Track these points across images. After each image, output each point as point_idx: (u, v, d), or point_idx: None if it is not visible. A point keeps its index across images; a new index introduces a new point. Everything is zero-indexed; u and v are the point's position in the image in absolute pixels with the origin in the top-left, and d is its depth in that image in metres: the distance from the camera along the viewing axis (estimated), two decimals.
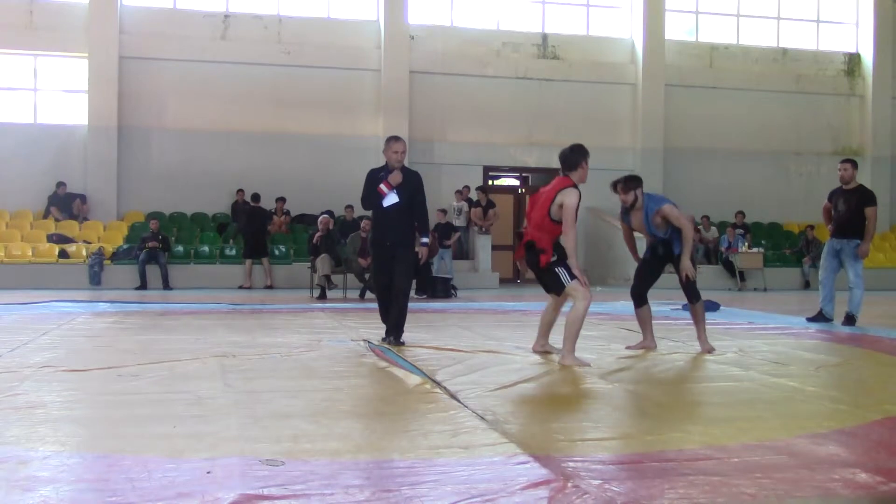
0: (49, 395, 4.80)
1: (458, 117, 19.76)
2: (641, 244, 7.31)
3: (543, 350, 6.59)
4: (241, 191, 17.83)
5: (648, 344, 7.11)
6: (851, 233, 9.29)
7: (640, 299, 7.19)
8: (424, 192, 7.33)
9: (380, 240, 7.24)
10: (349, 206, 17.13)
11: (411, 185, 7.20)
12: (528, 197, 6.66)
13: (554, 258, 6.15)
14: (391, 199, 7.10)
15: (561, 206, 6.04)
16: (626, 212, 7.12)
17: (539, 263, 6.20)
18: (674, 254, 7.00)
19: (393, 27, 19.19)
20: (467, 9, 20.10)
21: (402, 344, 7.09)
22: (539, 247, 6.16)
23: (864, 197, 9.37)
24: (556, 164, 7.49)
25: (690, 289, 6.98)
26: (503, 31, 20.18)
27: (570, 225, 6.04)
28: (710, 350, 6.91)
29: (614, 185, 7.03)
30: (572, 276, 6.13)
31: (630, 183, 6.97)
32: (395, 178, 7.11)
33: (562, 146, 6.64)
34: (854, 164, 9.53)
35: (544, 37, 20.32)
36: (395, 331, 7.20)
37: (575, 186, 6.14)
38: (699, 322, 7.07)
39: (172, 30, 18.40)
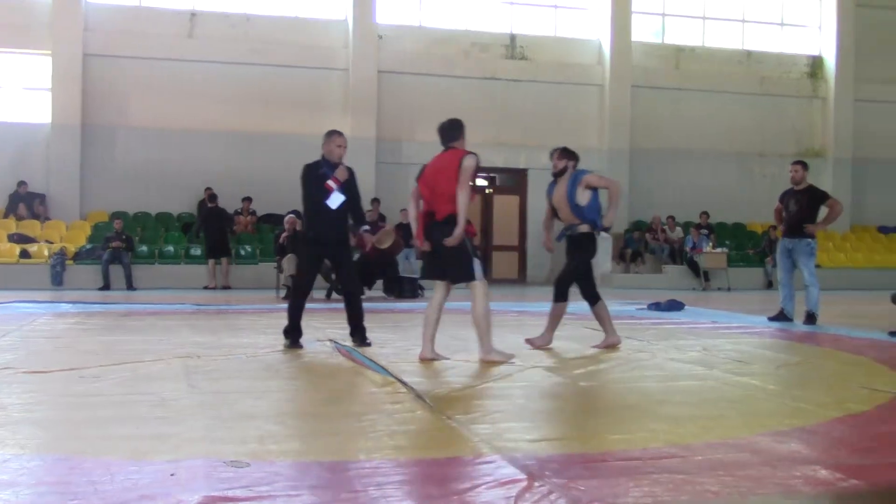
0: (9, 397, 4.73)
1: (427, 117, 19.63)
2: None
3: (433, 357, 6.26)
4: (208, 189, 17.60)
5: (612, 340, 7.15)
6: (802, 232, 9.45)
7: (592, 299, 7.22)
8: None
9: (321, 238, 7.05)
10: None
11: (350, 181, 7.13)
12: (418, 184, 6.45)
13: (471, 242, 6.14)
14: (338, 198, 6.98)
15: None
16: (553, 182, 7.25)
17: (446, 238, 6.05)
18: (580, 241, 7.05)
19: (361, 27, 19.13)
20: (436, 9, 20.08)
21: (369, 344, 7.07)
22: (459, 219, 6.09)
23: (815, 197, 9.58)
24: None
25: (563, 289, 7.10)
26: (471, 31, 20.19)
27: (466, 181, 6.08)
28: (547, 344, 7.06)
29: (552, 152, 7.27)
30: (483, 272, 6.17)
31: (567, 153, 7.20)
32: (342, 173, 7.02)
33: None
34: (805, 166, 9.74)
35: (512, 37, 20.36)
36: (359, 331, 7.16)
37: (471, 153, 6.21)
38: (552, 321, 7.16)
39: (138, 27, 18.18)
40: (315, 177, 7.04)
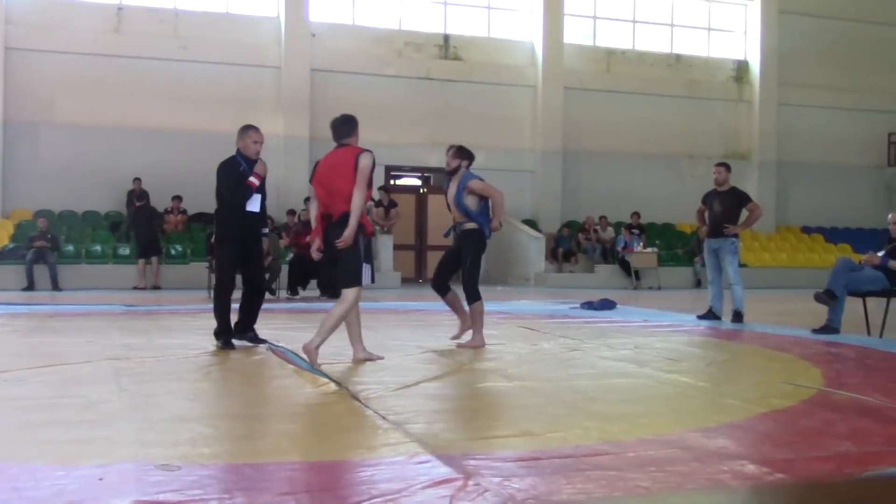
0: None
1: (360, 117, 18.84)
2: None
3: (367, 357, 6.22)
4: (137, 180, 17.09)
5: (466, 327, 7.26)
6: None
7: (443, 289, 7.32)
8: None
9: (237, 237, 6.98)
10: None
11: (265, 177, 7.08)
12: (312, 185, 6.35)
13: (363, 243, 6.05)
14: (256, 200, 6.92)
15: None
16: (448, 179, 7.34)
17: (337, 240, 5.90)
18: (470, 236, 7.14)
19: (293, 24, 18.95)
20: (369, 7, 20.02)
21: (264, 341, 7.05)
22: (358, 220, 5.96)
23: (739, 198, 9.86)
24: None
25: (471, 289, 7.16)
26: (405, 30, 20.18)
27: (363, 182, 5.93)
28: (479, 345, 7.07)
29: (448, 149, 7.32)
30: (371, 277, 6.11)
31: (462, 152, 7.26)
32: (262, 168, 6.97)
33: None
34: (727, 167, 10.01)
35: (446, 37, 20.42)
36: (251, 329, 7.13)
37: (366, 150, 6.08)
38: (476, 321, 7.19)
39: (63, 21, 17.71)
40: (236, 175, 6.90)
